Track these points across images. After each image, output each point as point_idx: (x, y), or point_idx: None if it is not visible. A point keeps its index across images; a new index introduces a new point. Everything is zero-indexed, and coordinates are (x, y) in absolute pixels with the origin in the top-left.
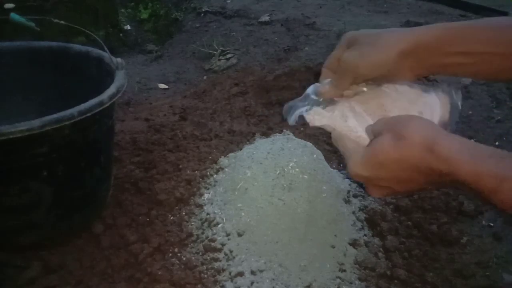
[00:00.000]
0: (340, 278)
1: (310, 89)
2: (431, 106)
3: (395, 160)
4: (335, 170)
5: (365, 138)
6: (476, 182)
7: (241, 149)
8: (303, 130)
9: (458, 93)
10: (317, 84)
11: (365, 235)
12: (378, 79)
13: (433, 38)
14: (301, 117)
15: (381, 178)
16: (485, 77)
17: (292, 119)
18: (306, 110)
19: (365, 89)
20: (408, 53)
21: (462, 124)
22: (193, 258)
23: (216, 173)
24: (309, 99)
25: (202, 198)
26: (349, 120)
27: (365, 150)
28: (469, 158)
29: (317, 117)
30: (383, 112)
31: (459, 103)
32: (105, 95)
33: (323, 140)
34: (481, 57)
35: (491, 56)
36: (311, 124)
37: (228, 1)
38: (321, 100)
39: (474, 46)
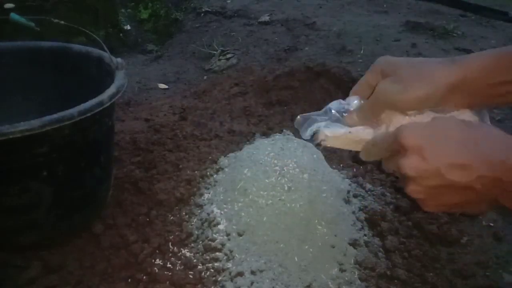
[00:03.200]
0: (340, 278)
1: (333, 105)
2: None
3: (467, 137)
4: (335, 170)
5: None
6: None
7: (241, 149)
8: None
9: (486, 115)
10: (341, 100)
11: (365, 235)
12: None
13: (481, 69)
14: (317, 132)
15: (435, 150)
16: None
17: (307, 133)
18: (325, 126)
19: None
20: (456, 87)
21: None
22: (193, 258)
23: (216, 173)
24: (331, 114)
25: (202, 198)
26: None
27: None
28: None
29: (337, 129)
30: None
31: (487, 120)
32: (105, 95)
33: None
34: None
35: None
36: (325, 142)
37: (228, 1)
38: (342, 118)
39: None
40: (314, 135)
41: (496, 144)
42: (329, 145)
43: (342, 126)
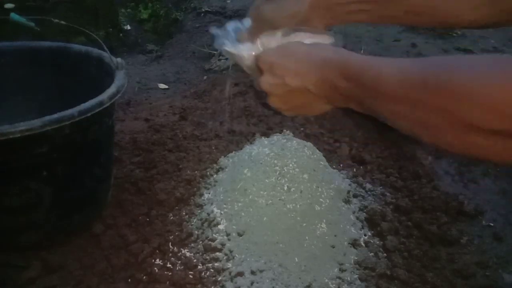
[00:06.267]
0: (340, 278)
1: (231, 26)
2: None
3: (304, 51)
4: (335, 170)
5: None
6: (361, 64)
7: (241, 149)
8: (303, 130)
9: (339, 37)
10: (238, 22)
11: (365, 235)
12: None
13: None
14: (222, 46)
15: (281, 66)
16: (383, 21)
17: (217, 45)
18: (226, 42)
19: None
20: (316, 6)
21: None
22: (193, 258)
23: (216, 173)
24: (229, 34)
25: (202, 198)
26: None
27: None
28: (364, 57)
29: (231, 47)
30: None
31: (340, 44)
32: (105, 95)
33: (323, 140)
34: (377, 3)
35: (385, 2)
36: (224, 50)
37: (228, 1)
38: (235, 36)
39: None
40: (222, 47)
41: (322, 52)
42: (227, 57)
43: (235, 44)
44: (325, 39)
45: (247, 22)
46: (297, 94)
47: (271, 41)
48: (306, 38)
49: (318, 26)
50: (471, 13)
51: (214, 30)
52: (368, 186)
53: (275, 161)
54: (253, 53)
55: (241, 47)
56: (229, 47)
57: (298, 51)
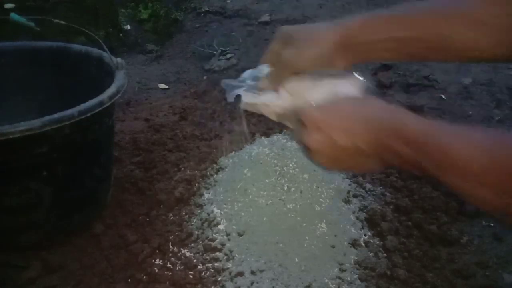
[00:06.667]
0: (340, 278)
1: (246, 74)
2: (345, 88)
3: (353, 107)
4: None
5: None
6: (422, 129)
7: (241, 149)
8: None
9: (367, 76)
10: (254, 70)
11: (365, 235)
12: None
13: (357, 29)
14: (238, 96)
15: (328, 122)
16: (406, 59)
17: (230, 97)
18: (244, 91)
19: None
20: (339, 46)
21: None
22: (193, 258)
23: (216, 173)
24: (246, 83)
25: (202, 198)
26: (281, 99)
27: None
28: (424, 121)
29: (252, 97)
30: (304, 95)
31: (371, 86)
32: (105, 95)
33: None
34: (400, 42)
35: (408, 40)
36: (244, 102)
37: (228, 1)
38: (255, 85)
39: (393, 32)
40: (235, 98)
41: (375, 109)
42: (247, 109)
43: (256, 93)
44: (355, 81)
45: (265, 68)
46: (348, 154)
47: (300, 87)
48: (336, 81)
49: (339, 66)
50: (493, 47)
51: (225, 82)
52: (368, 186)
53: (275, 161)
54: (281, 102)
55: (265, 96)
56: (250, 98)
57: (347, 108)
